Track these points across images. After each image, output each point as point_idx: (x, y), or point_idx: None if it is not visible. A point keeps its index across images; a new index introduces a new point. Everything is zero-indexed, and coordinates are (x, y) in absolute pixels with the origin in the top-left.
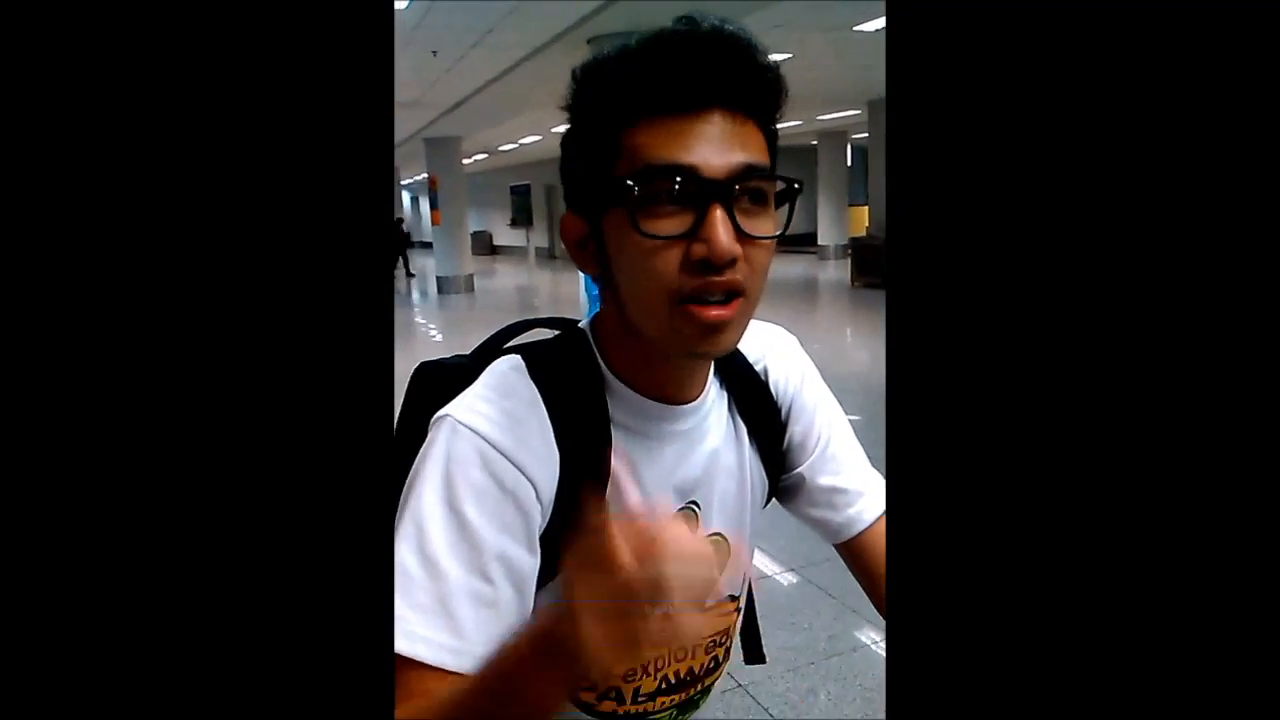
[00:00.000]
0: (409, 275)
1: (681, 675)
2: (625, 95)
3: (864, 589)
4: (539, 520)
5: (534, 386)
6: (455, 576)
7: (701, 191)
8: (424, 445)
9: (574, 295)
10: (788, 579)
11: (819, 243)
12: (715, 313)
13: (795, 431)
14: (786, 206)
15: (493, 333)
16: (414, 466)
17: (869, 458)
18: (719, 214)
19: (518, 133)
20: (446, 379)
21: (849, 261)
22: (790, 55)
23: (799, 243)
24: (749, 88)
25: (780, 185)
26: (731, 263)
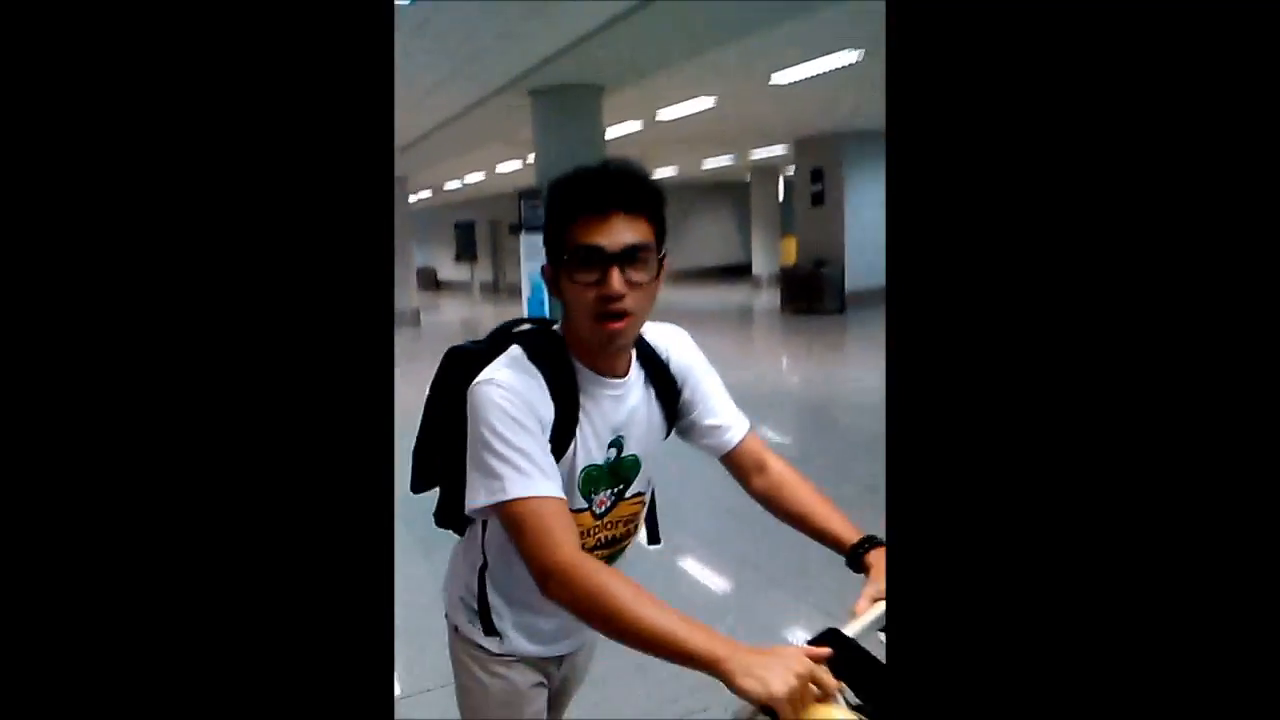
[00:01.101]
0: None
1: (607, 540)
2: (567, 206)
3: (738, 481)
4: (545, 439)
5: (533, 366)
6: (525, 448)
7: (604, 259)
8: (470, 408)
9: None
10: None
11: (754, 272)
12: (613, 326)
13: (686, 394)
14: (658, 261)
15: (497, 327)
16: (470, 424)
17: (799, 468)
18: (614, 272)
19: (462, 170)
20: (469, 357)
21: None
22: (716, 97)
23: (736, 273)
24: (636, 198)
25: (661, 252)
26: (620, 298)
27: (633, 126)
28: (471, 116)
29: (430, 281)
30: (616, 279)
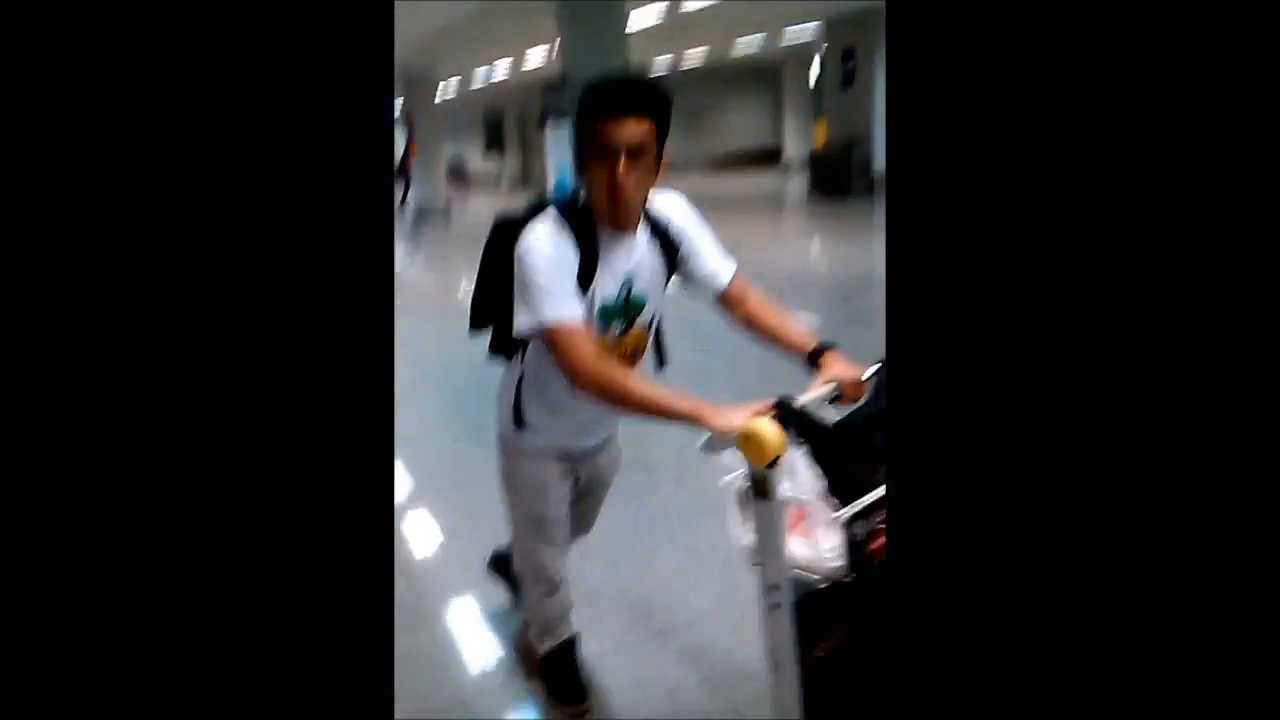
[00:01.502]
0: (401, 204)
1: (628, 355)
2: (591, 109)
3: (726, 313)
4: (573, 278)
5: (564, 225)
6: (558, 285)
7: (617, 150)
8: (517, 257)
9: None
10: None
11: (786, 155)
12: (622, 208)
13: (684, 249)
14: (657, 154)
15: (532, 200)
16: (516, 269)
17: (826, 342)
18: (622, 160)
19: (490, 59)
20: (512, 223)
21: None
22: None
23: (769, 158)
24: (642, 103)
25: (661, 146)
26: (625, 186)
27: (656, 11)
28: (495, 9)
29: (459, 174)
30: (623, 166)
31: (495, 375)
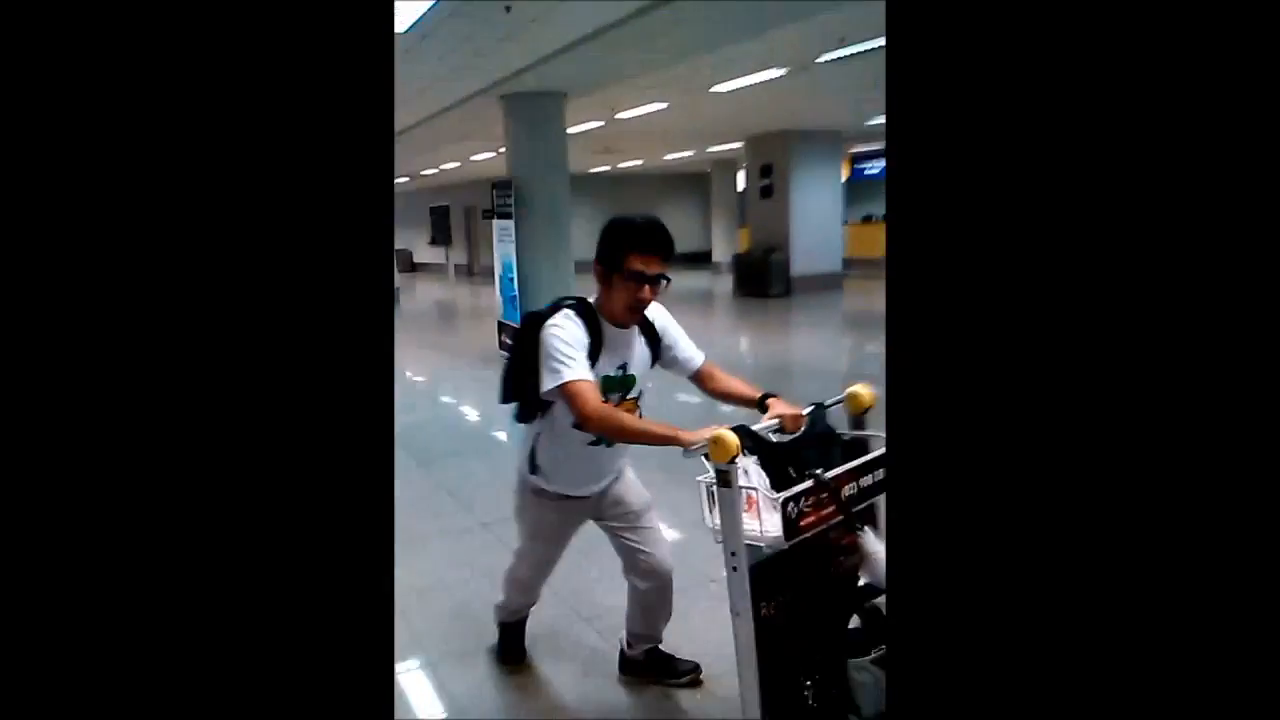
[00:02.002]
0: None
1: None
2: (630, 242)
3: (698, 387)
4: (585, 355)
5: (579, 317)
6: (574, 358)
7: (645, 280)
8: (543, 339)
9: (491, 306)
10: None
11: (714, 259)
12: (638, 315)
13: (665, 341)
14: (666, 282)
15: (556, 300)
16: (542, 347)
17: (770, 391)
18: (648, 288)
19: (439, 160)
20: (537, 314)
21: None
22: (668, 103)
23: (699, 259)
24: (666, 248)
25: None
26: (648, 301)
27: (594, 124)
28: (449, 116)
29: (406, 264)
30: (649, 291)
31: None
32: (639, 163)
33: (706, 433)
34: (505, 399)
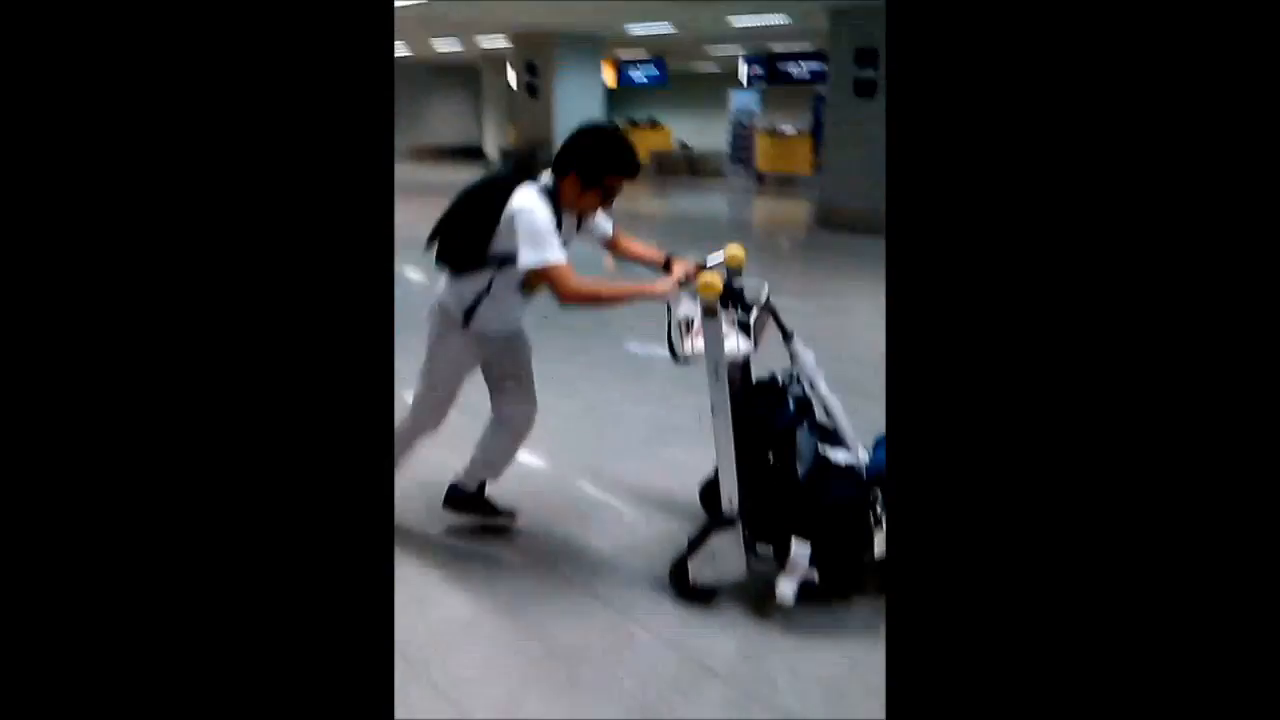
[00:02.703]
0: None
1: None
2: (614, 167)
3: (609, 252)
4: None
5: (547, 202)
6: (553, 240)
7: (614, 193)
8: (519, 211)
9: None
10: None
11: (485, 153)
12: (604, 209)
13: (587, 220)
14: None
15: (504, 174)
16: (519, 219)
17: (672, 253)
18: (614, 198)
19: None
20: (499, 182)
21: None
22: None
23: (471, 153)
24: (637, 170)
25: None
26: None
27: None
28: None
29: None
30: (612, 199)
31: None
32: (406, 50)
33: (669, 282)
34: (445, 255)
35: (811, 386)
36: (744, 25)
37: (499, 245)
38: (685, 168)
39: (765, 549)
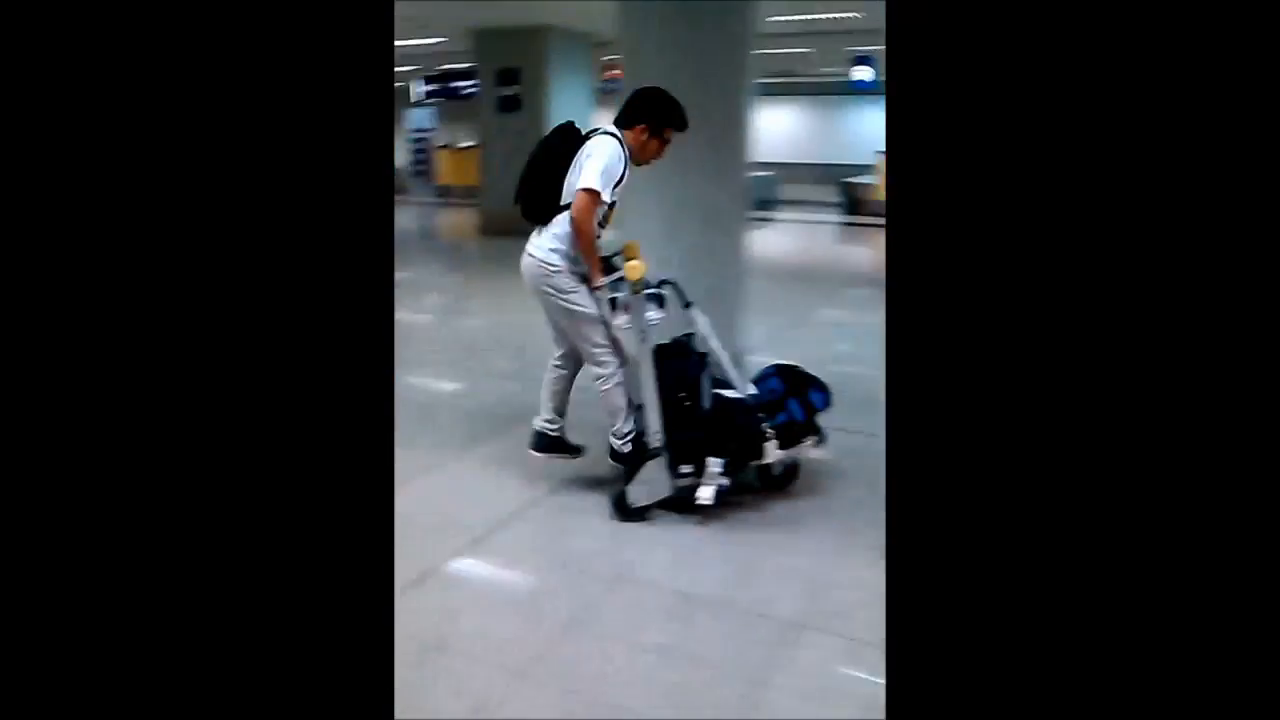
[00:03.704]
0: None
1: (608, 223)
2: (674, 122)
3: None
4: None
5: (624, 149)
6: (609, 183)
7: (667, 144)
8: (600, 149)
9: None
10: None
11: None
12: (657, 158)
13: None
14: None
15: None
16: (596, 156)
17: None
18: (669, 145)
19: None
20: (575, 130)
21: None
22: None
23: None
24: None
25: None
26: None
27: None
28: None
29: None
30: (668, 148)
31: None
32: None
33: (603, 280)
34: (531, 211)
35: (706, 343)
36: (407, 45)
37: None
38: None
39: (687, 468)
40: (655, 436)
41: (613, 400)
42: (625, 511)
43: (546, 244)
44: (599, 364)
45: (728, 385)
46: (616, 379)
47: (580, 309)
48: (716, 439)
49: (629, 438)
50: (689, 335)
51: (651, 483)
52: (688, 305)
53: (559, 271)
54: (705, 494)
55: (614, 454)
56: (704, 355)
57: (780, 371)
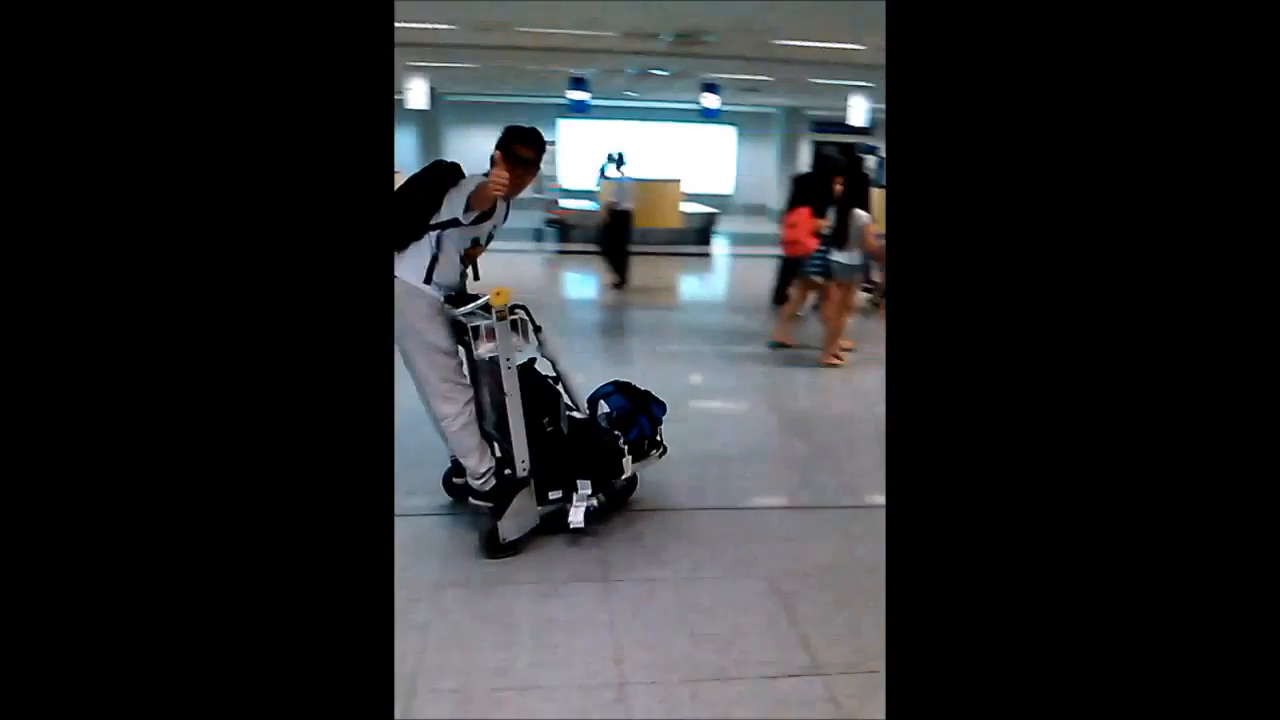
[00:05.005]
0: None
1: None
2: (520, 139)
3: None
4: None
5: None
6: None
7: (523, 157)
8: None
9: None
10: None
11: None
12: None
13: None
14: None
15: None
16: (458, 195)
17: None
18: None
19: None
20: (445, 166)
21: None
22: None
23: None
24: (538, 141)
25: None
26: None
27: None
28: None
29: None
30: (531, 172)
31: None
32: None
33: (469, 306)
34: (404, 237)
35: (554, 365)
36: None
37: (441, 215)
38: None
39: (555, 493)
40: (522, 465)
41: (464, 441)
42: (496, 549)
43: (408, 266)
44: (446, 400)
45: (573, 407)
46: (463, 418)
47: (432, 340)
48: (581, 460)
49: (488, 474)
50: (533, 360)
51: (520, 513)
52: (538, 329)
53: (428, 309)
54: (576, 516)
55: (474, 494)
56: (556, 378)
57: (620, 388)
